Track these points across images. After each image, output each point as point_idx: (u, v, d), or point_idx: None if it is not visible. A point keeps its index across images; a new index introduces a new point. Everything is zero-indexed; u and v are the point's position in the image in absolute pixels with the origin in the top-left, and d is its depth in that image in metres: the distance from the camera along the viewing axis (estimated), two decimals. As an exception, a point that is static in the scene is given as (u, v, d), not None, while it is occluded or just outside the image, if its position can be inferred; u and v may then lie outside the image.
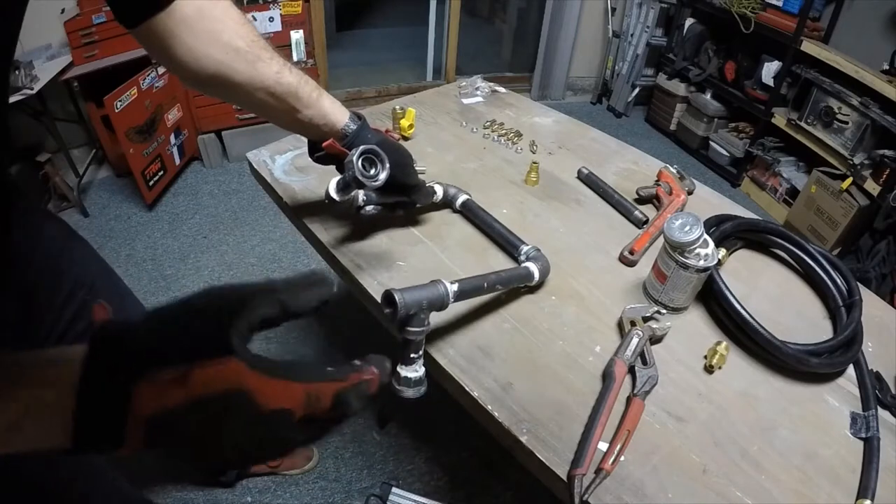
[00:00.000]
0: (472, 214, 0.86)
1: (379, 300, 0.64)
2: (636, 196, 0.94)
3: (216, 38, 0.60)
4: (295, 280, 0.37)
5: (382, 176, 0.65)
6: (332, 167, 0.73)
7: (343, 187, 0.67)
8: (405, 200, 0.80)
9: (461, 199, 0.87)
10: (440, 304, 0.59)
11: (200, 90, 0.66)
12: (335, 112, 0.69)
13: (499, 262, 0.80)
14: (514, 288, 0.75)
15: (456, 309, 0.69)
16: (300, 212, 0.87)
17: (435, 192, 0.86)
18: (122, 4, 0.57)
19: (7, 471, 0.56)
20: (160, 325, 0.33)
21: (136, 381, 0.30)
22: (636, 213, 0.90)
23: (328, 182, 0.69)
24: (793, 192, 2.45)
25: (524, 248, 0.77)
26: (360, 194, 0.77)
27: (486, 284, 0.66)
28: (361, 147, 0.64)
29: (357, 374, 0.37)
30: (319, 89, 0.68)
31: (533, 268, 0.73)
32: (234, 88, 0.63)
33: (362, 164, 0.63)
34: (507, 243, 0.81)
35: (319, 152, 0.70)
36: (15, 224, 0.61)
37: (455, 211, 0.88)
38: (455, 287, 0.61)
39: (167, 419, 0.31)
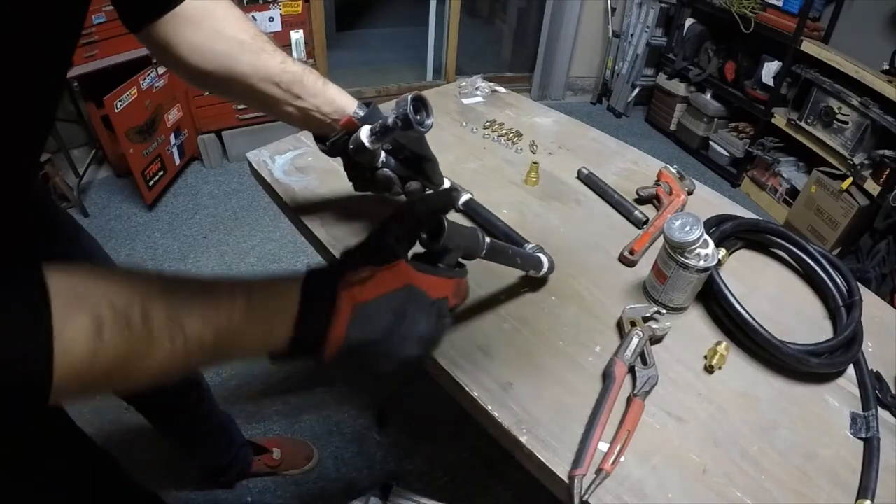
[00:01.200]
0: (474, 214, 0.86)
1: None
2: (636, 196, 0.94)
3: (220, 34, 0.60)
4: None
5: (429, 122, 0.63)
6: (333, 167, 0.73)
7: (381, 133, 0.64)
8: (419, 175, 0.75)
9: (464, 198, 0.87)
10: (473, 251, 0.57)
11: (205, 87, 0.66)
12: (342, 99, 0.68)
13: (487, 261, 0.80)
14: (515, 288, 0.75)
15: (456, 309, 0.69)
16: (300, 212, 0.87)
17: (451, 187, 0.82)
18: (128, 7, 0.58)
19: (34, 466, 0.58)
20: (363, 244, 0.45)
21: (340, 284, 0.41)
22: (636, 213, 0.90)
23: (357, 136, 0.65)
24: (793, 192, 2.46)
25: (528, 248, 0.77)
26: (382, 154, 0.73)
27: (510, 251, 0.66)
28: (413, 93, 0.63)
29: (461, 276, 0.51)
30: (324, 79, 0.67)
31: (543, 257, 0.73)
32: (239, 81, 0.62)
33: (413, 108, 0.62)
34: (511, 243, 0.81)
35: (331, 141, 0.69)
36: (26, 223, 0.61)
37: (458, 210, 0.89)
38: (489, 240, 0.59)
39: (365, 312, 0.41)
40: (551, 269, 0.75)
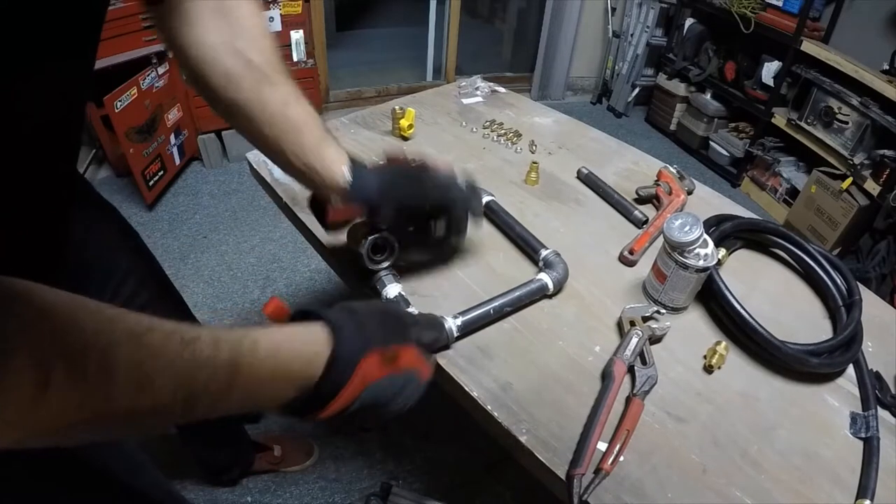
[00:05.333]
0: (494, 215, 0.86)
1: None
2: (636, 196, 0.94)
3: (230, 42, 0.53)
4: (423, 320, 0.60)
5: (386, 264, 0.69)
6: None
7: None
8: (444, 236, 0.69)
9: (484, 199, 0.87)
10: (444, 347, 0.65)
11: (195, 88, 0.58)
12: (335, 164, 0.57)
13: (499, 263, 0.80)
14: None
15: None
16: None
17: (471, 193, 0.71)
18: None
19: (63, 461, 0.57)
20: (376, 313, 0.48)
21: (366, 353, 0.44)
22: (636, 213, 0.90)
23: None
24: (793, 192, 2.45)
25: (543, 253, 0.77)
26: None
27: (492, 311, 0.68)
28: (370, 238, 0.64)
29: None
30: (326, 132, 0.58)
31: (546, 279, 0.73)
32: (230, 104, 0.55)
33: (370, 250, 0.67)
34: (526, 246, 0.81)
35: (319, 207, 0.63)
36: (72, 219, 0.60)
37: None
38: (459, 322, 0.65)
39: (376, 386, 0.45)
40: (561, 281, 0.75)
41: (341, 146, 0.59)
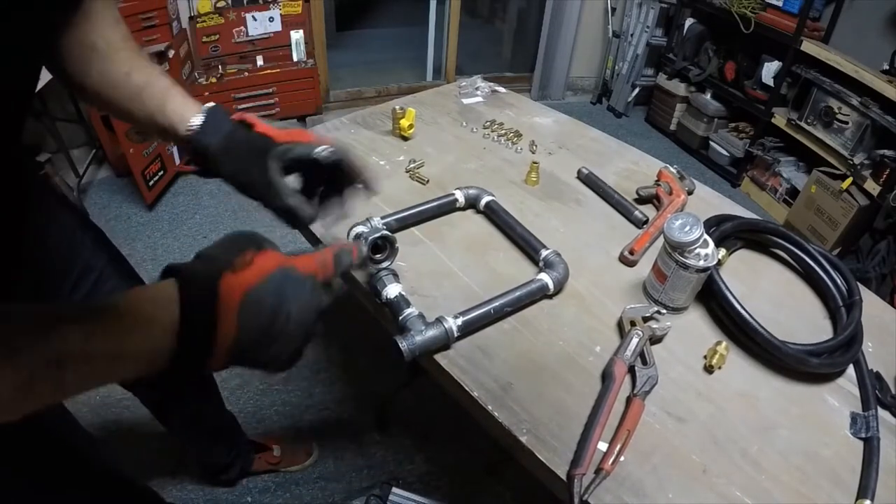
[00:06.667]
0: (494, 216, 0.87)
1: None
2: (636, 196, 0.94)
3: (82, 37, 0.57)
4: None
5: (386, 264, 0.71)
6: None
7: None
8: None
9: (485, 199, 0.88)
10: (444, 346, 0.65)
11: (69, 87, 0.61)
12: (174, 114, 0.57)
13: (499, 263, 0.80)
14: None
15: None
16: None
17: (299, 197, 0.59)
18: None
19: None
20: (219, 243, 0.45)
21: (220, 276, 0.40)
22: (636, 213, 0.90)
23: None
24: (793, 192, 2.45)
25: (544, 253, 0.77)
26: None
27: (492, 311, 0.68)
28: (370, 238, 0.67)
29: (335, 244, 0.51)
30: (168, 88, 0.58)
31: (547, 279, 0.73)
32: (85, 89, 0.59)
33: (370, 250, 0.68)
34: (527, 246, 0.81)
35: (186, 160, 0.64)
36: (30, 210, 0.61)
37: (479, 212, 0.89)
38: (459, 322, 0.65)
39: (254, 297, 0.41)
40: (562, 281, 0.75)
41: (189, 98, 0.59)
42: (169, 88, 0.58)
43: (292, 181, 0.58)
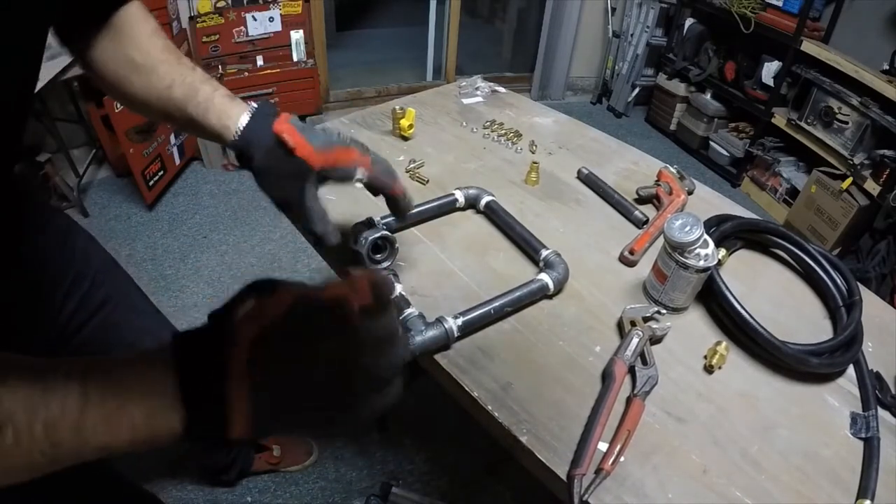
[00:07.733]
0: (494, 216, 0.87)
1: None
2: (636, 196, 0.94)
3: (119, 52, 0.59)
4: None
5: (386, 264, 0.73)
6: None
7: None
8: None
9: (485, 199, 0.88)
10: (444, 346, 0.65)
11: (112, 97, 0.66)
12: (220, 120, 0.58)
13: (499, 263, 0.80)
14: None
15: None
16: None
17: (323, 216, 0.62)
18: (66, 22, 0.57)
19: None
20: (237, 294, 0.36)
21: (230, 325, 0.33)
22: (636, 213, 0.90)
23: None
24: (793, 192, 2.46)
25: (544, 253, 0.77)
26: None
27: (492, 311, 0.68)
28: (370, 238, 0.68)
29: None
30: (209, 99, 0.59)
31: (547, 279, 0.73)
32: (132, 99, 0.61)
33: (370, 250, 0.70)
34: (527, 246, 0.81)
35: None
36: (25, 220, 0.62)
37: (479, 212, 0.89)
38: (459, 322, 0.65)
39: (266, 345, 0.32)
40: (562, 282, 0.75)
41: (231, 105, 0.59)
42: (210, 98, 0.59)
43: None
